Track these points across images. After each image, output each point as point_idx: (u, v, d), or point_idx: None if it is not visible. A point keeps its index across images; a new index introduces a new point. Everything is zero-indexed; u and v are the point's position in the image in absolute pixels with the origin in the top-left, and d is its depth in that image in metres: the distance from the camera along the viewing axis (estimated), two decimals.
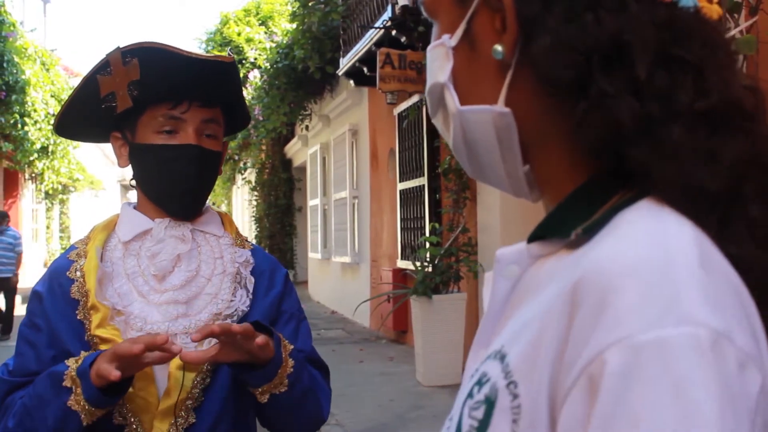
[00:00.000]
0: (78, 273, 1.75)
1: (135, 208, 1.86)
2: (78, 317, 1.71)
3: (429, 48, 0.86)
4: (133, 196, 1.87)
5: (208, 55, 1.75)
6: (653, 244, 0.64)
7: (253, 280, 1.83)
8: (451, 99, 0.82)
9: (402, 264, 10.54)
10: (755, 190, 0.69)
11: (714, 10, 0.74)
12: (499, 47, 0.76)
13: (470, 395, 0.73)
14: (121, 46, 1.71)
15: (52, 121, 1.97)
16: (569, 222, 0.73)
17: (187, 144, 1.74)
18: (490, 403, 0.69)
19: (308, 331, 1.95)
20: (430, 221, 9.37)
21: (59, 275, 1.77)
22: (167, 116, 1.74)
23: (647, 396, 0.56)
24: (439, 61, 0.83)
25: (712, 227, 0.68)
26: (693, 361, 0.57)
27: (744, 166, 0.69)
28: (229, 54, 1.78)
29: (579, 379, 0.60)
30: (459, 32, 0.81)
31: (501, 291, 0.80)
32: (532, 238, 0.79)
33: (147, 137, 1.75)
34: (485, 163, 0.83)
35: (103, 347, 1.67)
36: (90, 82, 1.75)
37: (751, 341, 0.61)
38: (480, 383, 0.72)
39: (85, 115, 1.82)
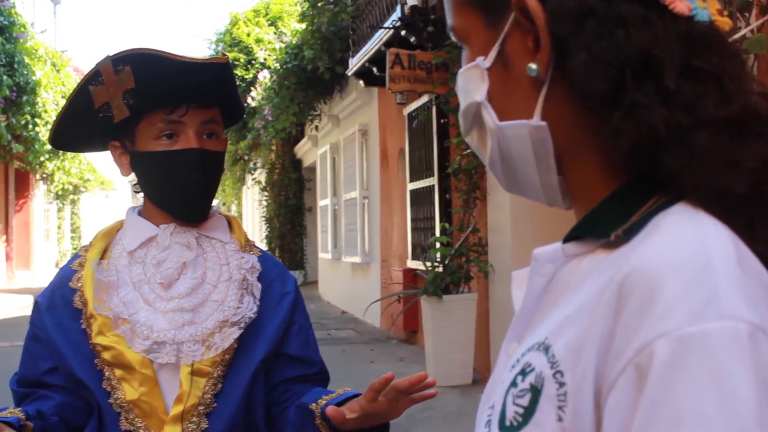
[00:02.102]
0: (79, 283, 1.75)
1: (140, 213, 1.85)
2: (82, 326, 1.72)
3: (461, 71, 0.90)
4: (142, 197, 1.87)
5: (202, 58, 1.73)
6: (694, 243, 0.69)
7: (260, 286, 1.82)
8: (489, 116, 0.86)
9: (412, 264, 10.53)
10: None
11: (725, 23, 0.78)
12: (533, 65, 0.81)
13: (514, 384, 0.77)
14: (111, 54, 1.68)
15: None
16: (607, 224, 0.77)
17: (189, 148, 1.72)
18: (536, 391, 0.74)
19: (315, 339, 1.94)
20: (440, 221, 9.35)
21: (62, 285, 1.78)
22: (166, 121, 1.72)
23: (691, 384, 0.62)
24: (474, 82, 0.88)
25: (741, 228, 0.73)
26: (733, 353, 0.62)
27: (765, 169, 0.73)
28: (222, 53, 1.76)
29: (627, 368, 0.66)
30: (492, 54, 0.85)
31: (536, 288, 0.84)
32: (568, 239, 0.83)
33: (147, 144, 1.73)
34: (521, 176, 0.88)
35: (105, 355, 1.69)
36: (82, 94, 1.72)
37: None
38: (524, 373, 0.77)
39: (81, 126, 1.79)
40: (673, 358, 0.63)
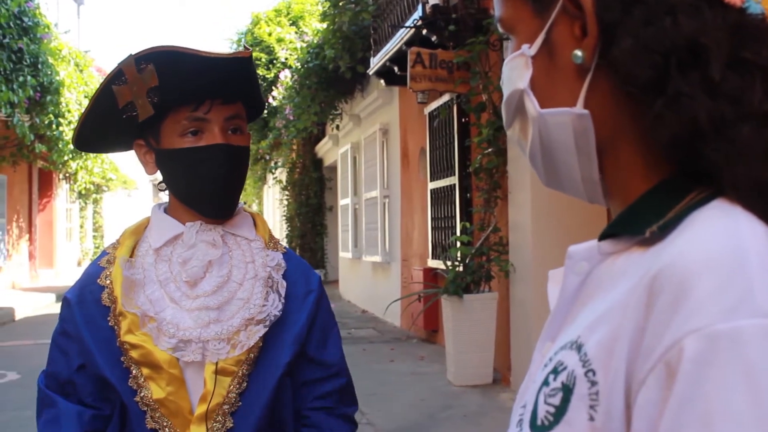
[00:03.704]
0: (108, 280, 1.76)
1: (166, 210, 1.85)
2: (110, 323, 1.73)
3: (507, 60, 0.90)
4: (165, 195, 1.86)
5: (225, 52, 1.72)
6: (728, 240, 0.68)
7: (285, 284, 1.82)
8: (531, 104, 0.86)
9: (433, 263, 10.52)
10: None
11: None
12: (579, 52, 0.81)
13: (546, 383, 0.77)
14: (133, 54, 1.68)
15: None
16: (643, 220, 0.76)
17: (214, 144, 1.71)
18: (567, 390, 0.73)
19: (338, 338, 1.93)
20: (460, 220, 9.34)
21: (91, 282, 1.78)
22: (191, 118, 1.71)
23: (721, 382, 0.61)
24: (518, 70, 0.88)
25: None
26: (764, 351, 0.61)
27: None
28: (245, 47, 1.76)
29: (657, 365, 0.65)
30: (539, 41, 0.85)
31: (571, 286, 0.84)
32: (604, 236, 0.82)
33: (173, 142, 1.73)
34: (562, 168, 0.87)
35: (133, 354, 1.69)
36: (105, 94, 1.71)
37: None
38: (556, 371, 0.76)
39: (104, 126, 1.79)
40: (703, 355, 0.62)
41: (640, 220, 0.77)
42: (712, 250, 0.67)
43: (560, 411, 0.73)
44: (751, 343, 0.61)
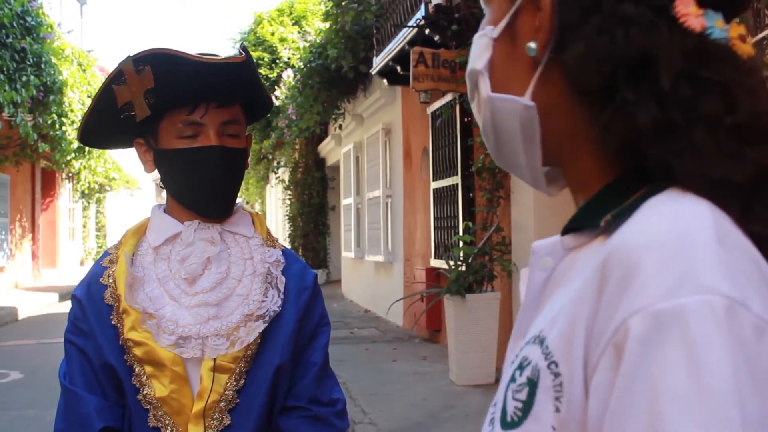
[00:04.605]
0: (110, 279, 1.77)
1: (165, 210, 1.87)
2: (112, 322, 1.74)
3: (475, 36, 0.92)
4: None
5: (219, 57, 1.73)
6: (673, 221, 0.69)
7: (284, 279, 1.83)
8: (484, 86, 0.88)
9: (435, 263, 10.52)
10: None
11: (745, 50, 0.78)
12: (533, 44, 0.82)
13: (513, 379, 0.77)
14: (131, 55, 1.71)
15: None
16: (600, 213, 0.77)
17: (209, 146, 1.73)
18: (533, 384, 0.73)
19: (327, 339, 1.92)
20: (463, 220, 9.33)
21: (95, 282, 1.80)
22: (186, 122, 1.73)
23: (664, 359, 0.61)
24: (479, 49, 0.90)
25: (734, 210, 0.71)
26: (707, 327, 0.61)
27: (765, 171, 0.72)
28: (240, 52, 1.77)
29: (607, 348, 0.66)
30: (502, 25, 0.87)
31: (537, 282, 0.86)
32: (566, 231, 0.83)
33: (170, 142, 1.75)
34: (508, 153, 0.90)
35: (136, 351, 1.70)
36: (106, 93, 1.74)
37: None
38: (521, 367, 0.77)
39: (106, 124, 1.82)
40: (647, 334, 0.62)
41: (598, 213, 0.78)
42: (657, 231, 0.68)
43: (527, 405, 0.73)
44: (693, 319, 0.61)
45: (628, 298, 0.65)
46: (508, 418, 0.76)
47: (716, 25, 0.77)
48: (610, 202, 0.78)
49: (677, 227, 0.68)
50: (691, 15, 0.76)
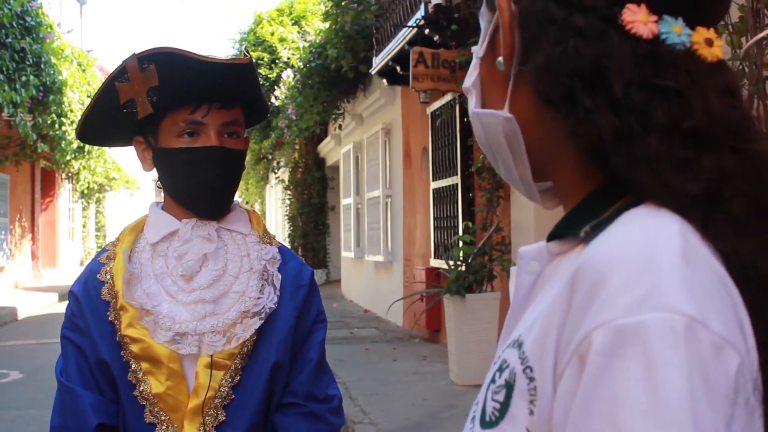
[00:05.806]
0: (108, 275, 1.78)
1: (162, 208, 1.88)
2: (109, 318, 1.75)
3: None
4: None
5: (224, 58, 1.75)
6: (641, 238, 0.71)
7: (280, 276, 1.84)
8: (471, 102, 0.93)
9: (435, 263, 10.52)
10: (735, 192, 0.74)
11: (711, 53, 0.79)
12: (500, 59, 0.86)
13: (493, 380, 0.80)
14: (136, 53, 1.72)
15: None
16: (582, 222, 0.80)
17: (209, 146, 1.75)
18: (509, 387, 0.76)
19: (324, 335, 1.92)
20: (463, 220, 9.33)
21: (92, 278, 1.81)
22: (188, 121, 1.75)
23: (624, 372, 0.63)
24: (470, 67, 0.94)
25: (696, 222, 0.73)
26: (666, 344, 0.63)
27: (725, 175, 0.74)
28: (244, 54, 1.78)
29: (572, 358, 0.68)
30: (484, 44, 0.92)
31: (524, 286, 0.87)
32: (551, 237, 0.85)
33: (169, 141, 1.77)
34: (502, 165, 0.93)
35: (132, 347, 1.71)
36: (109, 90, 1.76)
37: (732, 327, 0.67)
38: (501, 369, 0.80)
39: (107, 121, 1.83)
40: (608, 348, 0.65)
41: (579, 222, 0.80)
42: (625, 247, 0.70)
43: (504, 407, 0.76)
44: (654, 336, 0.63)
45: (593, 311, 0.67)
46: (487, 418, 0.79)
47: (673, 31, 0.77)
48: (591, 210, 0.80)
49: (645, 245, 0.70)
50: (638, 22, 0.77)
